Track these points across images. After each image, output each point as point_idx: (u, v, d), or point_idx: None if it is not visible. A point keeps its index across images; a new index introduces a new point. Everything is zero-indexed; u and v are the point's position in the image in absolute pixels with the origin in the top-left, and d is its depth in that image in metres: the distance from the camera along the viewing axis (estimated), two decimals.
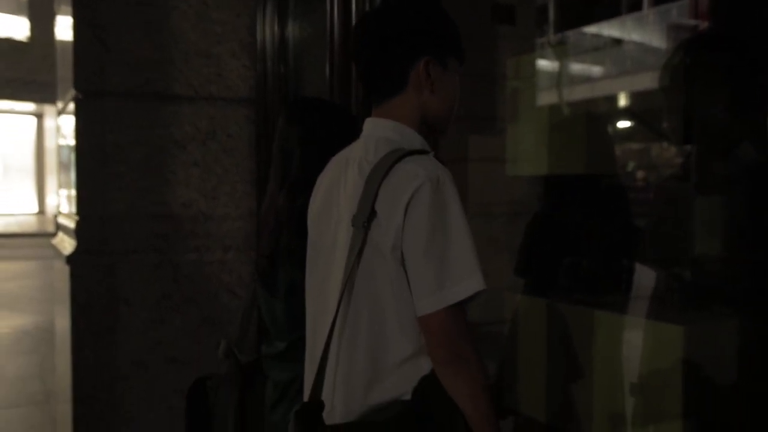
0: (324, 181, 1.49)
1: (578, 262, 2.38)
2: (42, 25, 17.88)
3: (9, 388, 5.21)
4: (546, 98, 2.79)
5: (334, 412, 1.35)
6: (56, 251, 3.44)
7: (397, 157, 1.27)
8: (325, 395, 1.34)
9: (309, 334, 1.49)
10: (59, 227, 3.93)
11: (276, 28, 2.89)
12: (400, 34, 1.37)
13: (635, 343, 2.05)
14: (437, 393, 1.26)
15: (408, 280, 1.26)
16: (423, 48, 1.37)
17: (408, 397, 1.29)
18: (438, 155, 1.38)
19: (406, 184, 1.24)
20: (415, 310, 1.25)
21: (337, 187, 1.42)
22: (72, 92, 2.88)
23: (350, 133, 1.77)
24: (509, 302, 2.68)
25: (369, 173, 1.29)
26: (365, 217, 1.26)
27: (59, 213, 4.41)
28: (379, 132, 1.39)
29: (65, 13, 3.19)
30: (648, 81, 2.26)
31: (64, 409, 3.18)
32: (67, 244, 3.11)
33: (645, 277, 2.11)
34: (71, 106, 2.99)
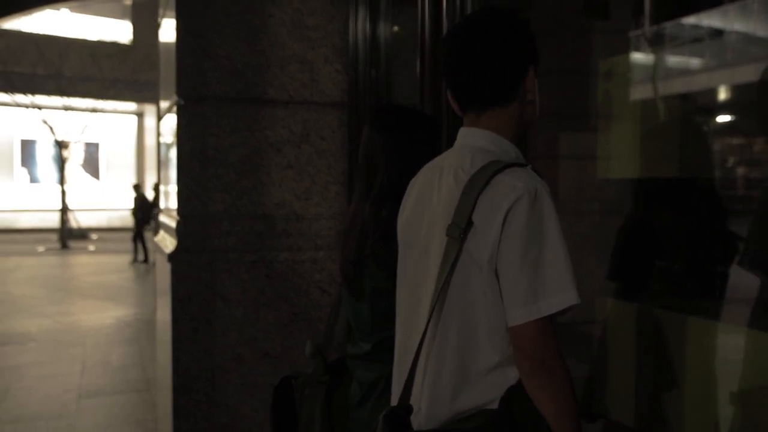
0: (415, 187, 1.51)
1: (672, 266, 2.31)
2: (144, 27, 18.71)
3: (113, 375, 5.51)
4: (640, 95, 2.72)
5: (419, 416, 1.37)
6: (158, 248, 3.61)
7: (496, 169, 1.28)
8: (413, 400, 1.36)
9: (399, 338, 1.51)
10: (160, 225, 4.12)
11: (367, 32, 2.93)
12: (513, 47, 1.38)
13: (732, 351, 1.98)
14: (523, 404, 1.26)
15: (501, 290, 1.27)
16: (530, 58, 1.40)
17: (494, 406, 1.30)
18: (534, 163, 1.38)
19: (504, 197, 1.25)
20: (506, 321, 1.26)
21: (429, 194, 1.43)
22: (174, 98, 3.01)
23: (435, 142, 1.78)
24: (601, 305, 2.64)
25: (466, 184, 1.30)
26: (462, 228, 1.27)
27: (159, 210, 4.63)
28: (475, 142, 1.40)
29: (169, 18, 3.34)
30: (751, 73, 2.17)
31: (164, 396, 3.33)
32: (168, 242, 3.26)
33: (744, 283, 2.03)
34: (173, 109, 3.12)
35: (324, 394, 1.97)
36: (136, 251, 13.90)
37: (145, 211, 13.90)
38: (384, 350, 1.76)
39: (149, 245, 13.41)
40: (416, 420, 1.37)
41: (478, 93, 1.42)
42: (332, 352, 2.06)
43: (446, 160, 1.44)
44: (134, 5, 22.05)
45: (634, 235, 2.40)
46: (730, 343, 2.01)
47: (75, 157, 23.36)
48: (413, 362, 1.34)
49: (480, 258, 1.27)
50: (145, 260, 13.60)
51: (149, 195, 14.74)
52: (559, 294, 1.22)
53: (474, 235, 1.27)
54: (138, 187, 15.12)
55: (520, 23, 1.41)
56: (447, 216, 1.31)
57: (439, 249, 1.33)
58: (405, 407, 1.32)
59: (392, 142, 1.80)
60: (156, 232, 13.72)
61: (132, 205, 14.80)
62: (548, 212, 1.24)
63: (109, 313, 8.19)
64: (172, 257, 2.94)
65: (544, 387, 1.24)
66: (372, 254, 1.77)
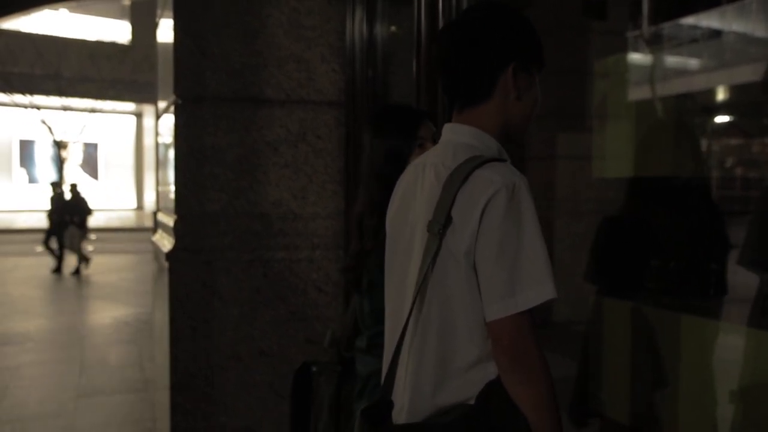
0: (402, 184, 1.52)
1: (665, 265, 2.32)
2: (143, 27, 18.72)
3: (111, 375, 5.51)
4: (638, 95, 2.73)
5: (402, 412, 1.37)
6: (156, 247, 3.62)
7: (476, 164, 1.28)
8: (398, 395, 1.37)
9: (387, 333, 1.51)
10: (157, 224, 4.13)
11: (364, 32, 2.94)
12: (489, 41, 1.37)
13: (729, 350, 1.99)
14: (501, 399, 1.26)
15: (479, 285, 1.26)
16: (511, 54, 1.37)
17: (473, 401, 1.30)
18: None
19: (482, 191, 1.24)
20: (484, 315, 1.26)
21: (413, 191, 1.44)
22: (172, 98, 3.02)
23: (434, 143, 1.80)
24: (595, 304, 2.65)
25: (446, 179, 1.30)
26: (441, 224, 1.27)
27: (157, 209, 4.63)
28: (458, 138, 1.40)
29: (167, 18, 3.35)
30: (749, 74, 2.18)
31: (162, 395, 3.34)
32: (166, 241, 3.27)
33: (738, 282, 2.05)
34: (171, 109, 3.13)
35: (335, 383, 2.04)
36: (57, 257, 11.86)
37: (62, 213, 11.91)
38: (376, 345, 1.80)
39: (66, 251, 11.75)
40: (401, 414, 1.37)
41: (456, 88, 1.42)
42: (345, 346, 2.11)
43: (429, 156, 1.44)
44: (133, 5, 22.06)
45: (627, 234, 2.41)
46: (724, 342, 2.03)
47: (74, 157, 23.36)
48: (393, 357, 1.34)
49: (458, 252, 1.26)
50: (77, 271, 11.67)
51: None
52: (536, 288, 1.21)
53: (453, 230, 1.27)
54: (56, 186, 12.80)
55: (506, 19, 1.39)
56: (428, 212, 1.31)
57: (420, 245, 1.33)
58: (385, 402, 1.32)
59: (391, 146, 1.84)
60: (74, 239, 12.31)
61: (48, 206, 12.36)
62: (526, 206, 1.23)
63: (107, 313, 8.19)
64: (169, 256, 2.95)
65: (523, 382, 1.23)
66: (373, 250, 1.81)
